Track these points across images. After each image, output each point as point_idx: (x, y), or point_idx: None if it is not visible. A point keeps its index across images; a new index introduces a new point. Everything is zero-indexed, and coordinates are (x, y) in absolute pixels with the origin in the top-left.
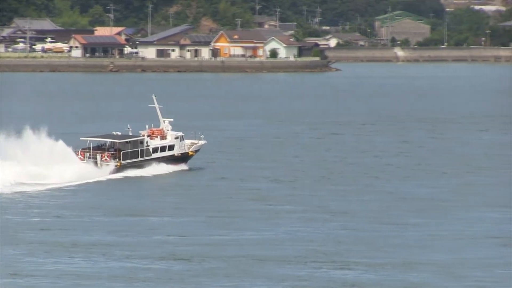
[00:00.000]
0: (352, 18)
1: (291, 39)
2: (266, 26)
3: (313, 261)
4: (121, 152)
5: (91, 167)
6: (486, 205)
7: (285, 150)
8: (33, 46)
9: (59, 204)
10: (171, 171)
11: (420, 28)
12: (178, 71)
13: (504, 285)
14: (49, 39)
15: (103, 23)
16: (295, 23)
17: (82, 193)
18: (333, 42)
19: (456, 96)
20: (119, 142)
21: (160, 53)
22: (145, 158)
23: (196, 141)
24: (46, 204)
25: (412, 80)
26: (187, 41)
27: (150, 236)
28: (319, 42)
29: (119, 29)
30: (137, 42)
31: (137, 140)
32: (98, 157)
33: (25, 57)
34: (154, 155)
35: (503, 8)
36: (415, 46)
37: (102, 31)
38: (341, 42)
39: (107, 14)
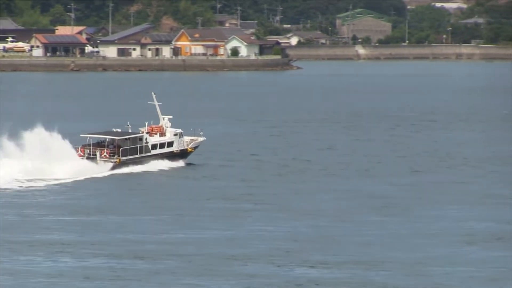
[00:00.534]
0: (313, 16)
1: (252, 38)
2: (227, 24)
3: (276, 259)
4: (121, 149)
5: (89, 164)
6: (448, 203)
7: (246, 149)
8: None
9: (23, 203)
10: (168, 167)
11: (381, 26)
12: (139, 70)
13: (467, 283)
14: (10, 39)
15: (64, 23)
16: (256, 21)
17: (52, 193)
18: (294, 41)
19: (418, 94)
20: (118, 139)
21: (121, 52)
22: (144, 154)
23: (195, 138)
24: (14, 203)
25: (373, 78)
26: (148, 40)
27: (114, 235)
28: (280, 41)
29: (80, 28)
30: (98, 41)
31: (136, 137)
32: (98, 153)
33: None
34: (153, 152)
35: (464, 6)
36: (376, 44)
37: (63, 31)
38: (302, 40)
39: (68, 13)
